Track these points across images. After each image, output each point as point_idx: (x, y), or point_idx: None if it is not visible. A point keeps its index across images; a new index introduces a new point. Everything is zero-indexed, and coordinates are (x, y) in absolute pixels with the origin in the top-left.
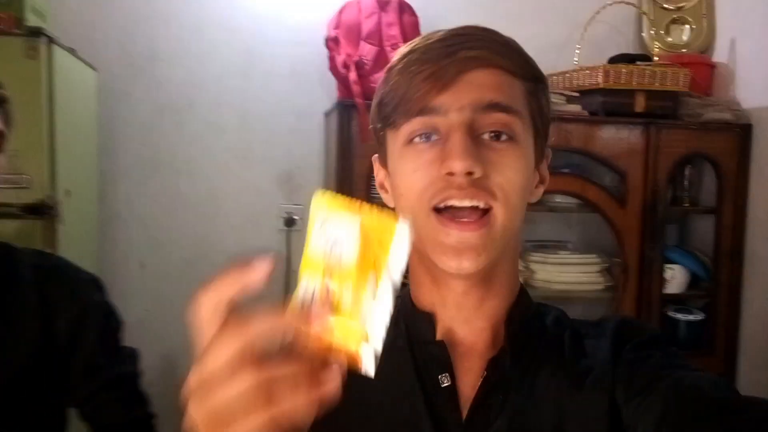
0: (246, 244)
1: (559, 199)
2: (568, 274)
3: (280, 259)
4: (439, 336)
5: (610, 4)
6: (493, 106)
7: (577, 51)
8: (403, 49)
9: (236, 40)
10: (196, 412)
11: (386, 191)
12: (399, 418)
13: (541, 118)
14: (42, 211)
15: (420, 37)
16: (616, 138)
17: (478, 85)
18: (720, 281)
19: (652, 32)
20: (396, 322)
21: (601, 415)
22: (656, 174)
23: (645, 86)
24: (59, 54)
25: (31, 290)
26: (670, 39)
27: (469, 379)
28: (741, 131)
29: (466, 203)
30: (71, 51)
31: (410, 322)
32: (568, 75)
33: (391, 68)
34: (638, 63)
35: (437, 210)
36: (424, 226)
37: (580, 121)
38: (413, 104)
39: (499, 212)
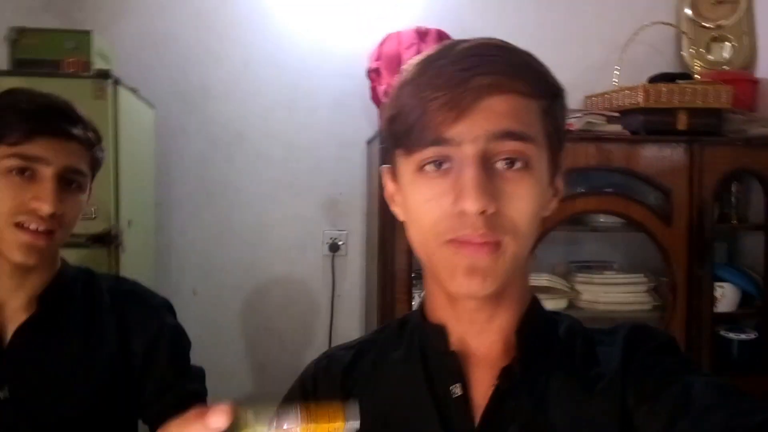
0: (292, 270)
1: (602, 218)
2: (615, 294)
3: (325, 285)
4: (452, 348)
5: (649, 25)
6: (508, 135)
7: (617, 72)
8: (415, 62)
9: (282, 75)
10: None
11: (396, 204)
12: (412, 429)
13: (557, 134)
14: (107, 240)
15: (433, 52)
16: (659, 156)
17: (493, 113)
18: None
19: (692, 51)
20: (408, 337)
21: (611, 421)
22: (701, 191)
23: (687, 104)
24: (123, 94)
25: (110, 312)
26: (710, 57)
27: (481, 389)
28: None
29: (482, 240)
30: (133, 91)
31: (423, 335)
32: (607, 96)
33: (402, 85)
34: (679, 81)
35: (450, 242)
36: (437, 254)
37: (621, 140)
38: (427, 133)
39: (510, 245)
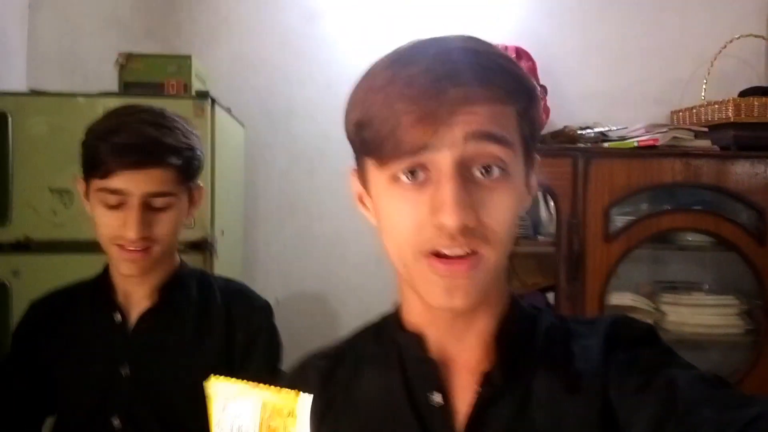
0: (368, 282)
1: (690, 237)
2: (703, 316)
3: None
4: (430, 355)
5: (738, 38)
6: (487, 136)
7: (704, 86)
8: (384, 66)
9: None
10: None
11: (366, 207)
12: None
13: (532, 135)
14: (203, 247)
15: (401, 54)
16: (752, 173)
17: (469, 118)
18: None
19: None
20: (385, 343)
21: (594, 417)
22: None
23: None
24: (219, 113)
25: (220, 307)
26: None
27: (463, 396)
28: None
29: (457, 252)
30: (227, 110)
31: (400, 342)
32: (695, 110)
33: (371, 90)
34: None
35: (426, 254)
36: (414, 267)
37: (710, 156)
38: (402, 146)
39: (489, 254)
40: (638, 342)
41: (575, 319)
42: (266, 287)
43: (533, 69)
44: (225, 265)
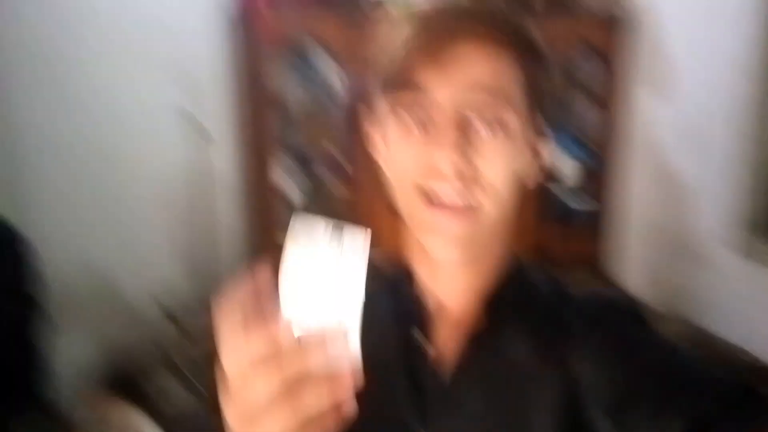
0: (160, 156)
1: None
2: None
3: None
4: (430, 304)
5: None
6: (489, 89)
7: None
8: (409, 13)
9: None
10: (228, 411)
11: (377, 151)
12: (381, 370)
13: (536, 96)
14: None
15: (428, 2)
16: None
17: (469, 63)
18: (609, 171)
19: None
20: (396, 300)
21: (562, 400)
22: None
23: None
24: None
25: None
26: None
27: (451, 346)
28: (628, 25)
29: (456, 197)
30: None
31: (415, 301)
32: None
33: (393, 33)
34: None
35: (424, 192)
36: (410, 204)
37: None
38: (404, 76)
39: (488, 208)
40: (622, 320)
41: (569, 290)
42: (39, 171)
43: None
44: None
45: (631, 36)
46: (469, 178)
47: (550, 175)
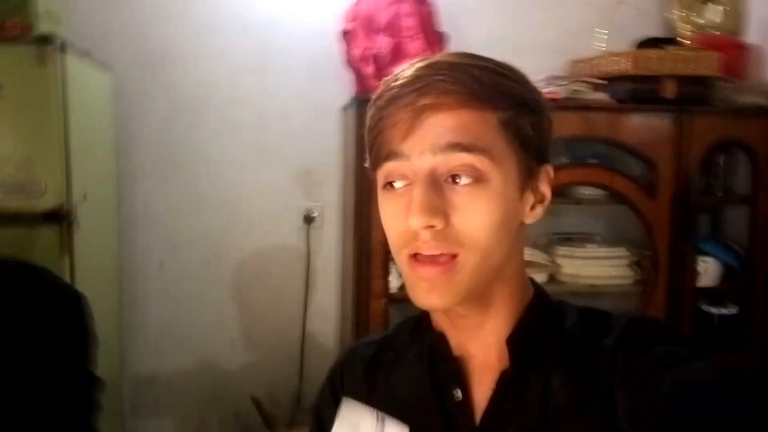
0: (265, 243)
1: (586, 191)
2: (596, 268)
3: (300, 258)
4: (454, 353)
5: None
6: (454, 147)
7: (604, 36)
8: (384, 81)
9: (250, 36)
10: None
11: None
12: (420, 427)
13: (526, 143)
14: (58, 218)
15: (397, 71)
16: (645, 126)
17: (438, 128)
18: (756, 273)
19: (682, 13)
20: (419, 337)
21: (608, 427)
22: (688, 163)
23: (674, 71)
24: (71, 59)
25: None
26: (700, 21)
27: (483, 391)
28: None
29: (432, 252)
30: (85, 54)
31: (429, 339)
32: (595, 62)
33: (372, 102)
34: (666, 47)
35: (410, 255)
36: (403, 268)
37: (606, 109)
38: (383, 150)
39: (467, 258)
40: (652, 341)
41: (594, 312)
42: (148, 252)
43: (433, 14)
44: (91, 235)
45: None
46: (441, 233)
47: (683, 280)
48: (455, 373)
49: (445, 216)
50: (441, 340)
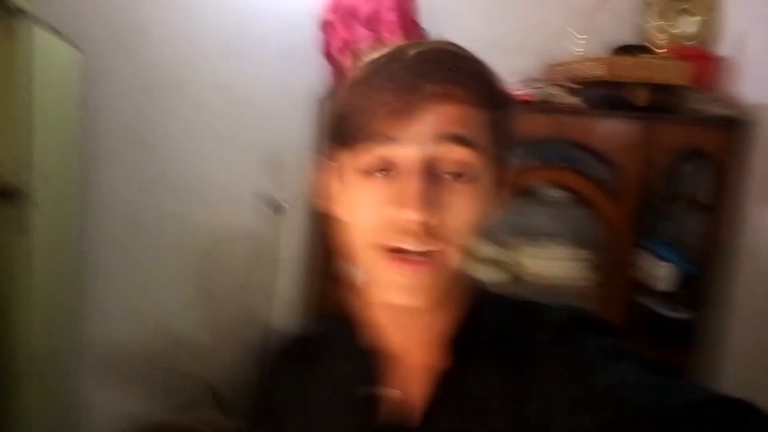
0: (231, 229)
1: (554, 192)
2: (560, 268)
3: (266, 248)
4: (391, 348)
5: None
6: (456, 139)
7: (581, 41)
8: (367, 63)
9: (226, 20)
10: None
11: (340, 205)
12: (344, 426)
13: (504, 146)
14: (12, 197)
15: (386, 53)
16: (614, 132)
17: (443, 117)
18: (710, 280)
19: (658, 23)
20: (348, 334)
21: (544, 423)
22: (652, 169)
23: (646, 79)
24: (41, 34)
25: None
26: (675, 30)
27: (419, 390)
28: (741, 128)
29: (421, 248)
30: (55, 31)
31: (362, 336)
32: (572, 66)
33: (353, 84)
34: (640, 54)
35: (386, 249)
36: (377, 264)
37: (578, 113)
38: (374, 133)
39: (450, 256)
40: (585, 335)
41: (529, 306)
42: (112, 236)
43: (414, 10)
44: (52, 215)
45: (743, 139)
46: (433, 229)
47: (640, 283)
48: (376, 370)
49: (441, 212)
50: (374, 337)
